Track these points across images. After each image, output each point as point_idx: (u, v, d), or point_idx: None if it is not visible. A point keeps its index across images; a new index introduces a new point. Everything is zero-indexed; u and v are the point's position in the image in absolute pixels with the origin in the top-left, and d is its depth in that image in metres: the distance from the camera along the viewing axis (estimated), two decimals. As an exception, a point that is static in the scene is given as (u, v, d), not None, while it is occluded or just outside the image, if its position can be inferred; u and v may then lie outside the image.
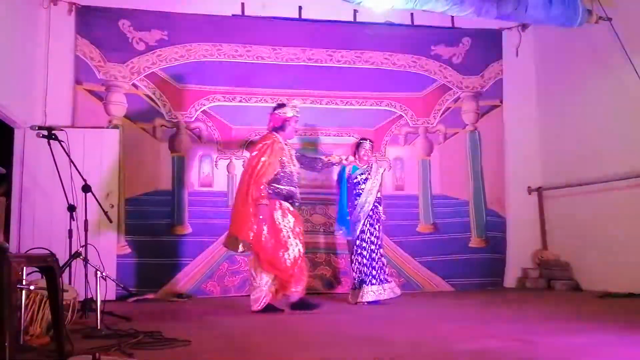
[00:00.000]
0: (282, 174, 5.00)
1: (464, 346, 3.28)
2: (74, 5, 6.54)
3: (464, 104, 7.52)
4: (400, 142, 7.32)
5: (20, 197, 5.97)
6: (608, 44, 6.24)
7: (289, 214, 5.00)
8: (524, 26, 7.64)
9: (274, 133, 5.14)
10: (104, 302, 4.04)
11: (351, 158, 5.80)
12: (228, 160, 6.84)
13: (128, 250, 6.33)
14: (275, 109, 5.26)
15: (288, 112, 5.16)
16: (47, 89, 6.40)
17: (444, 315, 4.88)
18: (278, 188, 4.98)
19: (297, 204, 5.16)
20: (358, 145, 5.89)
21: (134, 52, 6.68)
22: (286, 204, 5.02)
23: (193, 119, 6.80)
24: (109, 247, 5.86)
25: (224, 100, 6.93)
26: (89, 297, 4.45)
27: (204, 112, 6.84)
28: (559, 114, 7.42)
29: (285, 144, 5.16)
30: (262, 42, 7.05)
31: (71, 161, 4.55)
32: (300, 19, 7.24)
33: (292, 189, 5.06)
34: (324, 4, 7.19)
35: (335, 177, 6.19)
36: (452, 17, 7.26)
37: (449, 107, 7.48)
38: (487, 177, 7.38)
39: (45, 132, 4.57)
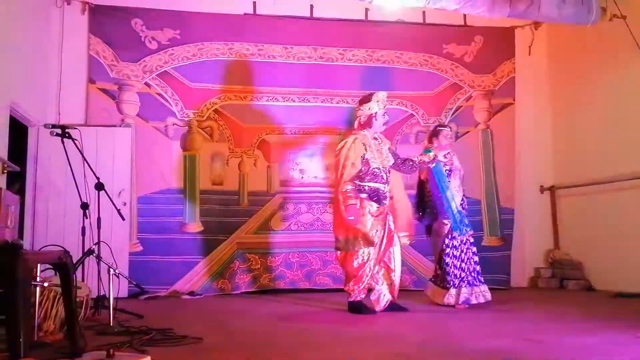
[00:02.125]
0: (365, 170, 4.83)
1: (474, 345, 3.27)
2: (87, 5, 6.59)
3: (476, 103, 7.48)
4: (411, 141, 7.29)
5: (33, 195, 6.04)
6: (622, 42, 6.17)
7: (367, 214, 4.80)
8: (537, 24, 7.58)
9: (357, 130, 4.99)
10: (116, 299, 4.08)
11: (441, 155, 5.24)
12: (239, 159, 6.87)
13: (140, 248, 6.37)
14: (360, 104, 5.07)
15: (373, 107, 4.94)
16: (61, 87, 6.46)
17: (454, 314, 4.86)
18: (361, 186, 4.82)
19: (384, 201, 4.88)
20: (437, 133, 5.31)
21: (146, 51, 6.72)
22: (368, 203, 4.82)
23: (205, 118, 6.83)
24: (122, 245, 5.90)
25: (236, 99, 6.95)
26: (101, 294, 4.49)
27: (215, 110, 6.86)
28: (572, 112, 7.37)
29: (375, 139, 5.00)
30: (274, 41, 7.06)
31: (84, 159, 4.58)
32: (311, 18, 7.24)
33: (377, 185, 4.85)
34: (336, 3, 7.18)
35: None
36: (464, 15, 7.22)
37: (461, 106, 7.45)
38: (500, 176, 7.34)
39: (58, 131, 4.61)
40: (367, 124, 4.97)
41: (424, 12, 7.35)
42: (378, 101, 4.97)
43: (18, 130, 5.74)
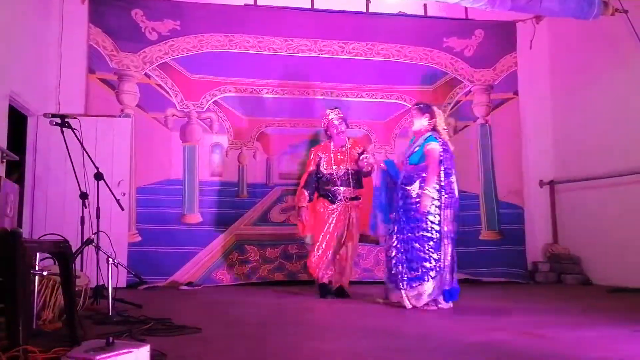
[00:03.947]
0: (321, 175, 5.54)
1: (472, 338, 3.28)
2: (87, -6, 6.57)
3: (475, 97, 7.48)
4: (409, 135, 7.26)
5: (33, 184, 6.04)
6: (624, 37, 6.16)
7: (324, 212, 5.46)
8: (538, 18, 7.56)
9: (322, 141, 5.86)
10: (115, 289, 4.09)
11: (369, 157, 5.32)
12: (239, 151, 6.86)
13: (139, 238, 6.38)
14: None
15: (323, 122, 5.76)
16: (60, 77, 6.45)
17: (453, 308, 4.87)
18: (320, 189, 5.56)
19: (338, 201, 5.45)
20: None
21: (146, 42, 6.70)
22: (325, 203, 5.48)
23: (204, 109, 6.82)
24: (121, 235, 5.90)
25: (235, 91, 6.94)
26: (100, 283, 4.49)
27: (215, 102, 6.85)
28: (573, 107, 7.37)
29: (343, 145, 5.58)
30: (274, 33, 7.05)
31: (84, 149, 4.57)
32: (312, 9, 7.22)
33: (330, 187, 5.49)
34: (337, -6, 7.18)
35: None
36: (466, 8, 7.20)
37: (460, 100, 7.44)
38: (499, 170, 7.34)
39: (58, 120, 4.59)
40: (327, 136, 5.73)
41: (425, 5, 7.33)
42: (324, 116, 5.74)
43: (17, 120, 5.73)
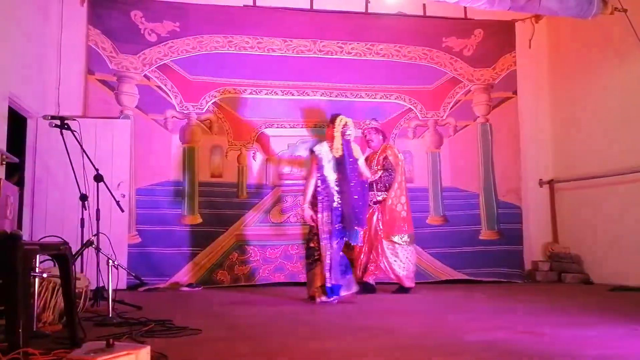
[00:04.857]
0: None
1: (473, 337, 3.28)
2: (86, -4, 6.57)
3: (475, 97, 7.48)
4: (409, 135, 7.30)
5: (32, 186, 6.04)
6: (623, 36, 6.16)
7: None
8: (538, 17, 7.57)
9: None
10: (115, 290, 4.09)
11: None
12: (238, 152, 6.86)
13: (139, 239, 6.38)
14: (377, 131, 6.07)
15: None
16: (60, 78, 6.45)
17: (453, 307, 4.87)
18: None
19: None
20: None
21: (145, 43, 6.70)
22: None
23: (204, 111, 6.82)
24: (121, 237, 5.90)
25: (235, 93, 6.94)
26: (100, 285, 4.49)
27: (214, 103, 6.85)
28: (572, 106, 7.37)
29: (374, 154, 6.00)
30: (274, 34, 7.06)
31: (83, 151, 4.57)
32: (311, 10, 7.22)
33: None
34: (336, -6, 7.18)
35: None
36: (465, 8, 7.21)
37: (460, 100, 7.44)
38: (499, 169, 7.34)
39: (57, 122, 4.59)
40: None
41: (424, 5, 7.33)
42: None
43: (17, 122, 5.72)
